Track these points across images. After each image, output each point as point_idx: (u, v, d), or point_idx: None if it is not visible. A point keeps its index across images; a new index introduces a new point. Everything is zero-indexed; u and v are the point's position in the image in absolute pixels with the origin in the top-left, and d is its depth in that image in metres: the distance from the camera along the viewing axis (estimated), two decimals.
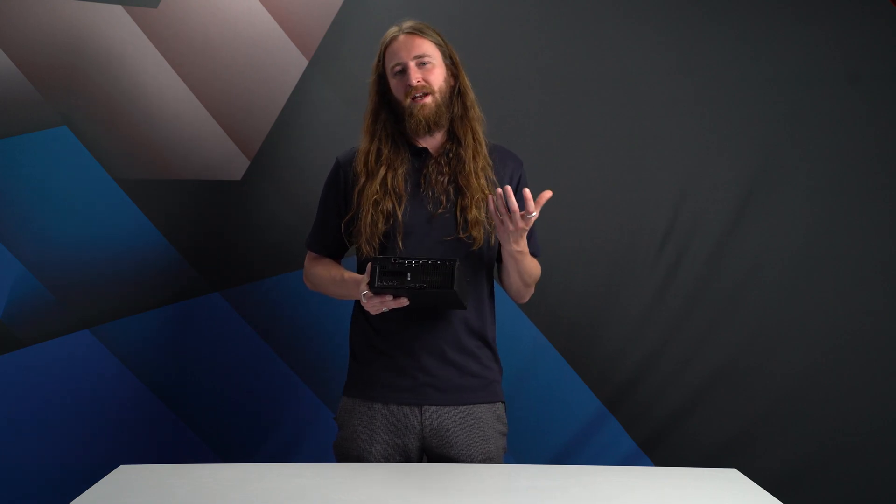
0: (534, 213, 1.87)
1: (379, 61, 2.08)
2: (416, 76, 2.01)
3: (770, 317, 2.75)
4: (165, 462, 1.93)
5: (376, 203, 2.01)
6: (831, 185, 2.77)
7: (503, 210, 1.88)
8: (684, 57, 2.75)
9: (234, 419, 2.61)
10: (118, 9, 2.53)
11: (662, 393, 2.74)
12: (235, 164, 2.60)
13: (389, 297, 1.88)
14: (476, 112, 2.09)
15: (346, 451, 2.04)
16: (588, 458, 2.70)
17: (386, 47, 2.06)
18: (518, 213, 1.87)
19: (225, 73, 2.59)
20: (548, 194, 1.88)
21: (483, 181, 2.04)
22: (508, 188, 1.86)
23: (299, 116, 2.62)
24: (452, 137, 2.07)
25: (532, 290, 2.14)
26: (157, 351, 2.58)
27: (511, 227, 1.89)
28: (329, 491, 1.69)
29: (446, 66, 2.06)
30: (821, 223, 2.77)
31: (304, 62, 2.62)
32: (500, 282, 2.18)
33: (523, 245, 1.97)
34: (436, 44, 2.06)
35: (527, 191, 1.87)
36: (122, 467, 1.85)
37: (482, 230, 2.01)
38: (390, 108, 2.07)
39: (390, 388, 2.01)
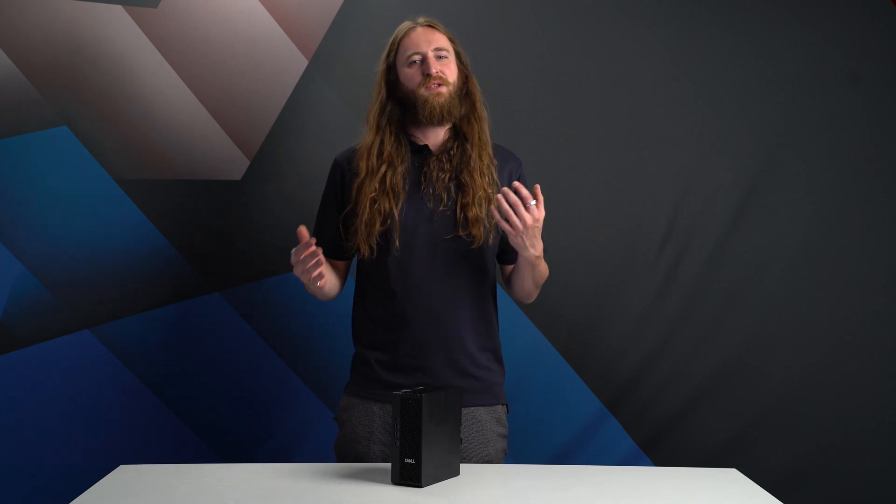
0: (533, 202, 1.86)
1: (390, 52, 2.08)
2: (436, 66, 2.02)
3: (770, 317, 2.76)
4: (165, 462, 1.93)
5: (373, 201, 2.00)
6: (831, 185, 2.77)
7: (508, 211, 1.87)
8: (684, 57, 2.75)
9: (234, 419, 2.61)
10: (118, 9, 2.53)
11: (662, 393, 2.74)
12: (235, 164, 2.60)
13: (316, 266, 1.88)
14: (483, 112, 2.09)
15: (346, 450, 2.04)
16: (588, 458, 2.70)
17: (402, 38, 2.06)
18: (521, 206, 1.86)
19: (225, 73, 2.59)
20: (537, 188, 1.89)
21: (486, 180, 2.04)
22: (506, 189, 1.86)
23: (299, 116, 2.62)
24: (457, 135, 2.07)
25: (539, 291, 2.14)
26: (157, 351, 2.58)
27: (521, 227, 1.88)
28: (329, 491, 1.69)
29: (458, 64, 2.07)
30: (821, 223, 2.77)
31: (304, 62, 2.62)
32: (507, 284, 2.18)
33: (539, 249, 1.96)
34: (450, 41, 2.07)
35: (517, 184, 1.87)
36: (122, 467, 1.85)
37: (482, 228, 2.01)
38: (396, 101, 2.07)
39: (389, 388, 2.01)
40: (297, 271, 1.90)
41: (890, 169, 2.78)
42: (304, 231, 1.85)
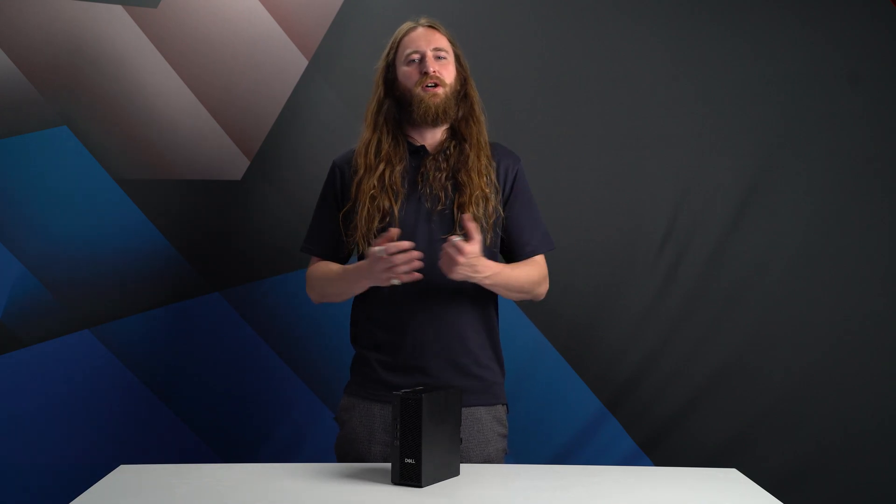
0: (458, 237, 1.86)
1: (390, 51, 2.08)
2: (433, 65, 2.02)
3: (770, 317, 2.76)
4: (165, 462, 1.93)
5: (373, 198, 2.00)
6: (831, 186, 2.77)
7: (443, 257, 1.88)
8: (684, 57, 2.75)
9: (234, 419, 2.61)
10: (118, 9, 2.53)
11: (662, 393, 2.74)
12: (235, 164, 2.60)
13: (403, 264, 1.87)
14: (481, 115, 2.09)
15: (346, 450, 2.04)
16: (588, 458, 2.70)
17: (402, 37, 2.07)
18: (449, 246, 1.86)
19: (225, 73, 2.59)
20: (467, 216, 1.91)
21: (484, 180, 2.03)
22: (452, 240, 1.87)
23: (299, 116, 2.62)
24: (455, 136, 2.07)
25: (540, 289, 2.12)
26: (157, 351, 2.58)
27: (453, 262, 1.87)
28: (329, 491, 1.69)
29: (456, 67, 2.08)
30: (821, 223, 2.77)
31: (304, 62, 2.62)
32: None
33: (486, 271, 1.94)
34: (451, 43, 2.08)
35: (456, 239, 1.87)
36: (122, 467, 1.85)
37: (479, 228, 2.01)
38: (394, 99, 2.07)
39: (390, 388, 2.01)
40: (379, 267, 1.88)
41: (890, 169, 2.78)
42: (394, 232, 1.86)
